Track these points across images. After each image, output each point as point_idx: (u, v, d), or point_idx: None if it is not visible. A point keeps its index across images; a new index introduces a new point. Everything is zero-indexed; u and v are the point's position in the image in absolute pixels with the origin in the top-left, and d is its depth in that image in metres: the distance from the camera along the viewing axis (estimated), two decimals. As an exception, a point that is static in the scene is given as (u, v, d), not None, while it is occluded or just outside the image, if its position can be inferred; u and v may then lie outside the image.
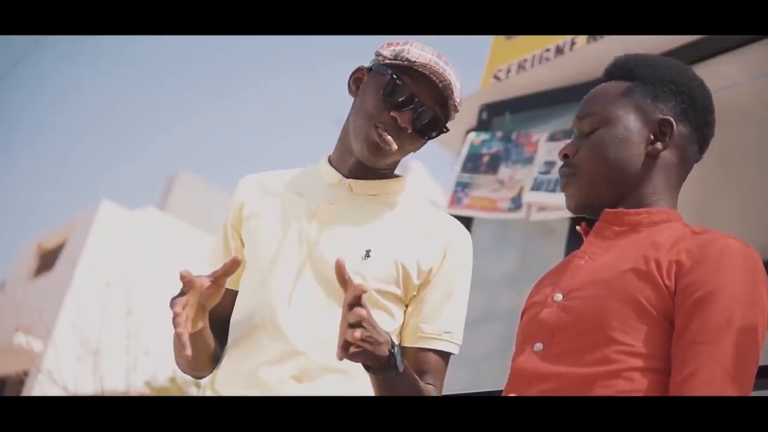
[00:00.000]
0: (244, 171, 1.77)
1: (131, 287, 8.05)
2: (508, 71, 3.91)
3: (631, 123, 1.33)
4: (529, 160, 3.54)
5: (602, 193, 1.34)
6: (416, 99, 1.53)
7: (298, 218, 1.58)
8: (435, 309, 1.56)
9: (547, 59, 3.68)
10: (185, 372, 1.64)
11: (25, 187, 33.77)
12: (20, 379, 11.81)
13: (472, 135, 3.82)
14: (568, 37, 3.60)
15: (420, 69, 1.51)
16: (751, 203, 3.64)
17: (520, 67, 3.84)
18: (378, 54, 1.59)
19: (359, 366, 1.33)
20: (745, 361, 1.12)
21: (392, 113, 1.52)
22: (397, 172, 1.67)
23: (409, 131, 1.54)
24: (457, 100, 1.56)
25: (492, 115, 3.91)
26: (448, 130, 1.59)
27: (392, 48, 1.57)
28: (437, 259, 1.56)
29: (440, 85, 1.52)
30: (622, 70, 1.40)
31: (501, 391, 1.31)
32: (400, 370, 1.32)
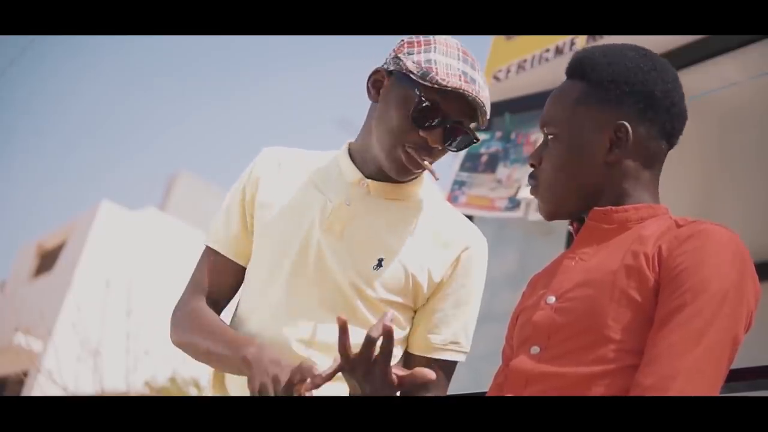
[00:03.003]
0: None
1: (131, 287, 8.05)
2: (508, 71, 3.91)
3: (584, 131, 1.31)
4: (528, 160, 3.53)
5: (566, 202, 1.33)
6: (447, 115, 1.45)
7: (311, 217, 1.53)
8: (444, 319, 1.54)
9: (547, 60, 3.67)
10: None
11: (25, 187, 33.79)
12: (20, 379, 11.80)
13: (472, 135, 3.82)
14: (568, 38, 3.60)
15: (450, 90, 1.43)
16: (751, 203, 3.64)
17: (520, 67, 3.84)
18: (398, 59, 1.48)
19: None
20: (714, 327, 1.11)
21: (421, 133, 1.45)
22: None
23: (441, 149, 1.49)
24: (487, 110, 1.49)
25: (492, 116, 3.89)
26: (479, 140, 1.54)
27: (415, 59, 1.46)
28: (450, 269, 1.54)
29: (470, 98, 1.45)
30: (578, 69, 1.36)
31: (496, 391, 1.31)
32: None
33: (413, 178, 1.57)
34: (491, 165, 3.67)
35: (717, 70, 3.05)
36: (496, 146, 3.71)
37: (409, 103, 1.45)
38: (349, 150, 1.60)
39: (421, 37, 1.50)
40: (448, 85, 1.42)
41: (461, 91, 1.42)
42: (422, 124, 1.45)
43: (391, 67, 1.50)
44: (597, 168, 1.30)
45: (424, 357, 1.54)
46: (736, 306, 1.14)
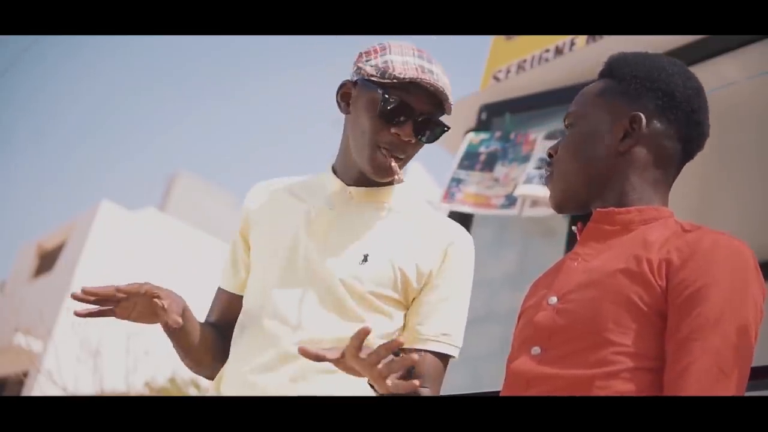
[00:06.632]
0: (244, 170, 1.78)
1: (131, 287, 8.02)
2: (508, 72, 3.91)
3: (600, 121, 1.33)
4: (526, 158, 3.53)
5: (575, 191, 1.34)
6: (412, 109, 1.52)
7: (296, 224, 1.60)
8: (432, 311, 1.55)
9: (547, 60, 3.68)
10: (191, 369, 1.68)
11: (25, 187, 33.82)
12: (20, 380, 11.80)
13: (471, 134, 3.82)
14: (568, 38, 3.60)
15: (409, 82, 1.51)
16: (751, 203, 3.64)
17: (520, 67, 3.84)
18: (358, 68, 1.57)
19: None
20: (737, 356, 1.12)
21: (392, 130, 1.51)
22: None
23: (413, 142, 1.54)
24: (449, 95, 1.54)
25: (491, 116, 3.91)
26: (449, 128, 1.59)
27: (373, 63, 1.54)
28: (437, 262, 1.56)
29: (431, 88, 1.51)
30: (606, 69, 1.40)
31: (499, 392, 1.32)
32: None
33: (394, 180, 1.61)
34: (489, 164, 3.67)
35: (716, 70, 3.05)
36: (495, 146, 3.71)
37: (376, 103, 1.52)
38: (333, 167, 1.66)
39: (377, 45, 1.58)
40: (405, 76, 1.50)
41: (418, 80, 1.50)
42: (391, 121, 1.52)
43: (355, 77, 1.59)
44: (609, 156, 1.32)
45: (414, 349, 1.53)
46: (755, 320, 1.16)
